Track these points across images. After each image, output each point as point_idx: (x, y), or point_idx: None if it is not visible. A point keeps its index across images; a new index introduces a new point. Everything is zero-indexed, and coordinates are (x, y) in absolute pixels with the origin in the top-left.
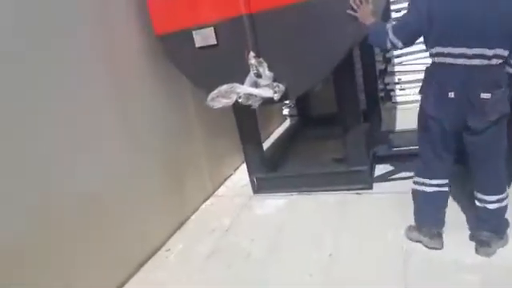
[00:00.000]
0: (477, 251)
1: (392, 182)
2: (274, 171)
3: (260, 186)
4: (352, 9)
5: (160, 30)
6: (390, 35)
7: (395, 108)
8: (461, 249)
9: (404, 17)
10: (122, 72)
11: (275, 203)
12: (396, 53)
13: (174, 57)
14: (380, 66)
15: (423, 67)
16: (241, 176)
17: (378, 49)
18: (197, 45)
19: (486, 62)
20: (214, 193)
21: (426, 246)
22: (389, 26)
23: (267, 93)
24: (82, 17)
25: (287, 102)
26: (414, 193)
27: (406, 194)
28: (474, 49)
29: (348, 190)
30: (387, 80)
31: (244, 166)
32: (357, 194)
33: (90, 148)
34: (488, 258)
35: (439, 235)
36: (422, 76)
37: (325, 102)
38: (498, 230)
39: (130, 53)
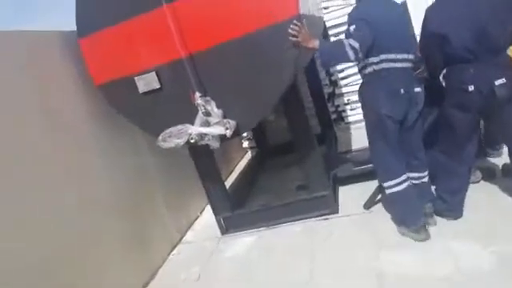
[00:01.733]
0: (425, 223)
1: (356, 203)
2: (239, 208)
3: (228, 226)
4: (292, 36)
5: (100, 80)
6: (350, 41)
7: (349, 128)
8: (428, 261)
9: (355, 27)
10: (70, 128)
11: (245, 242)
12: (341, 75)
13: (117, 105)
14: (328, 90)
15: None
16: (208, 217)
17: (323, 73)
18: (140, 90)
19: (411, 64)
20: (181, 240)
21: (415, 240)
22: (342, 38)
23: (219, 130)
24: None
25: (244, 135)
26: (390, 197)
27: (371, 212)
28: (404, 54)
29: (315, 216)
30: (337, 102)
31: (210, 207)
32: (325, 219)
33: (43, 209)
34: (457, 268)
35: (424, 226)
36: None
37: (281, 131)
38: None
39: (75, 108)
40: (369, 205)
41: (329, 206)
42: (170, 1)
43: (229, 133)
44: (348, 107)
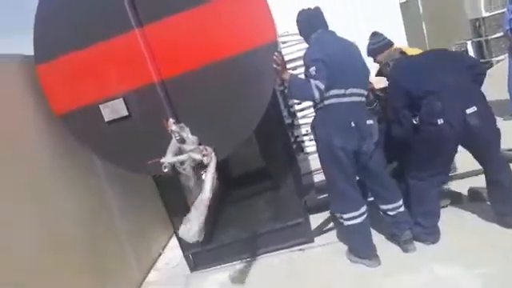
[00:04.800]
0: (405, 250)
1: (328, 232)
2: (209, 242)
3: (197, 262)
4: (276, 63)
5: (61, 110)
6: (317, 82)
7: (307, 159)
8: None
9: (315, 68)
10: (26, 159)
11: (218, 279)
12: (299, 107)
13: (81, 136)
14: (287, 121)
15: None
16: (171, 254)
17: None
18: (106, 119)
19: (361, 98)
20: (144, 281)
21: (367, 266)
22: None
23: (195, 157)
24: None
25: None
26: (348, 228)
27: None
28: (356, 89)
29: (291, 246)
30: (296, 133)
31: (172, 243)
32: (300, 250)
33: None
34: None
35: (376, 255)
36: None
37: (242, 161)
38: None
39: (33, 139)
40: (316, 233)
41: (305, 235)
42: (141, 25)
43: (207, 160)
44: (306, 138)
